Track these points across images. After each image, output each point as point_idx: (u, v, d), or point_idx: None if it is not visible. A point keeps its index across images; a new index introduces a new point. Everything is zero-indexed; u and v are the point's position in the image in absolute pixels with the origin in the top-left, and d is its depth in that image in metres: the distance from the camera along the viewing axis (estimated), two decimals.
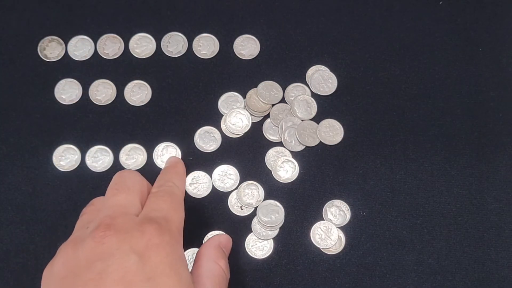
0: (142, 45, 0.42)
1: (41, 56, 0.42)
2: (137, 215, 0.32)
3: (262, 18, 0.43)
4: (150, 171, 0.40)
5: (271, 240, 0.39)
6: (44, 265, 0.38)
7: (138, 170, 0.40)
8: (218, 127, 0.41)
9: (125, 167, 0.40)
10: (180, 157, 0.40)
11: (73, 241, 0.31)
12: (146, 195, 0.34)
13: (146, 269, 0.30)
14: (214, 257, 0.34)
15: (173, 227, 0.32)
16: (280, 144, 0.41)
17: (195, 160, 0.40)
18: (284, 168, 0.40)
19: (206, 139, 0.40)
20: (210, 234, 0.39)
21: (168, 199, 0.34)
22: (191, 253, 0.38)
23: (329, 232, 0.39)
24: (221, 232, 0.38)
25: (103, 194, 0.39)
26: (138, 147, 0.40)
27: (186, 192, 0.39)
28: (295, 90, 0.42)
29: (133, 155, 0.40)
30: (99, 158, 0.40)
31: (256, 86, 0.41)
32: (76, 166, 0.40)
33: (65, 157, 0.40)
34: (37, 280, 0.37)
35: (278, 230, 0.39)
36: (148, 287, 0.29)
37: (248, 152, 0.40)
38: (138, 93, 0.41)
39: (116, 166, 0.40)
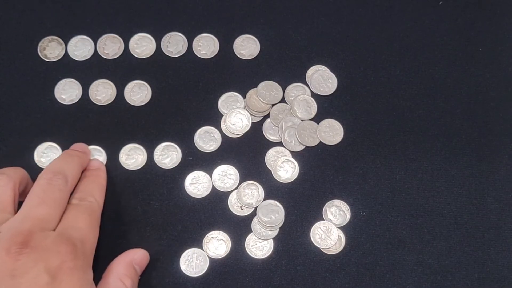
0: (142, 45, 0.42)
1: (41, 56, 0.42)
2: (54, 229, 0.32)
3: (262, 18, 0.43)
4: (150, 172, 0.40)
5: (271, 240, 0.39)
6: None
7: (138, 170, 0.40)
8: (218, 127, 0.41)
9: (125, 167, 0.40)
10: (180, 157, 0.40)
11: None
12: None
13: None
14: (121, 275, 0.34)
15: (87, 250, 0.32)
16: (280, 144, 0.41)
17: (195, 160, 0.40)
18: (284, 168, 0.40)
19: (206, 139, 0.40)
20: (210, 234, 0.39)
21: (87, 218, 0.34)
22: (191, 252, 0.38)
23: (329, 232, 0.39)
24: (138, 249, 0.37)
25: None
26: (138, 147, 0.40)
27: (186, 192, 0.39)
28: (295, 90, 0.42)
29: (133, 155, 0.40)
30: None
31: (256, 86, 0.41)
32: None
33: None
34: None
35: (278, 230, 0.39)
36: None
37: (248, 152, 0.40)
38: (138, 93, 0.41)
39: (117, 166, 0.40)
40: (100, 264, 0.35)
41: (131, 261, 0.36)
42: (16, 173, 0.35)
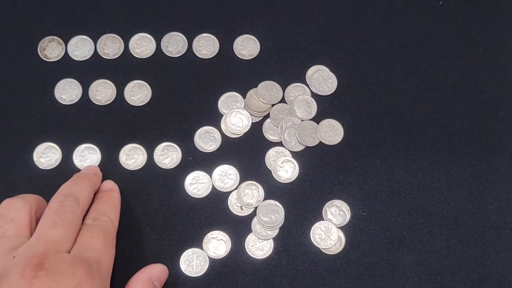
0: (142, 45, 0.42)
1: (41, 56, 0.42)
2: (69, 251, 0.31)
3: (262, 18, 0.43)
4: (150, 172, 0.40)
5: (271, 240, 0.39)
6: None
7: (138, 170, 0.40)
8: (218, 127, 0.41)
9: (125, 167, 0.40)
10: (180, 157, 0.40)
11: None
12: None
13: None
14: None
15: (103, 270, 0.32)
16: (280, 144, 0.41)
17: (195, 160, 0.40)
18: (284, 168, 0.40)
19: (206, 139, 0.40)
20: (210, 234, 0.39)
21: (102, 237, 0.33)
22: (191, 252, 0.38)
23: (329, 232, 0.39)
24: (156, 264, 0.36)
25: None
26: (138, 147, 0.40)
27: (186, 192, 0.39)
28: (295, 90, 0.41)
29: (133, 155, 0.40)
30: (87, 157, 0.40)
31: (256, 86, 0.41)
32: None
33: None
34: None
35: (278, 230, 0.39)
36: None
37: (248, 152, 0.40)
38: (138, 93, 0.41)
39: (117, 166, 0.40)
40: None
41: (150, 277, 0.35)
42: (32, 198, 0.34)
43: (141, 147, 0.40)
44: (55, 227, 0.32)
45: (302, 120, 0.41)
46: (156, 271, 0.35)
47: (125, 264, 0.37)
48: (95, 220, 0.34)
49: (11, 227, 0.33)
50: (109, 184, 0.38)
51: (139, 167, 0.40)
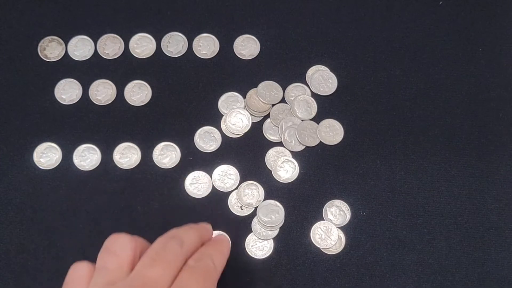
0: (142, 45, 0.42)
1: (41, 56, 0.42)
2: None
3: (262, 18, 0.43)
4: (150, 172, 0.40)
5: (271, 240, 0.39)
6: (44, 265, 0.38)
7: (131, 169, 0.40)
8: (218, 127, 0.41)
9: (119, 166, 0.40)
10: (179, 157, 0.40)
11: None
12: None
13: None
14: None
15: None
16: (280, 144, 0.41)
17: (195, 160, 0.40)
18: (284, 168, 0.40)
19: (206, 139, 0.40)
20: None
21: (201, 280, 0.32)
22: None
23: (329, 232, 0.39)
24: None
25: (103, 194, 0.39)
26: (132, 146, 0.40)
27: (186, 192, 0.39)
28: (295, 90, 0.41)
29: (127, 154, 0.40)
30: (87, 157, 0.40)
31: (256, 86, 0.41)
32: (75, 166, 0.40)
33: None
34: (37, 280, 0.37)
35: (278, 230, 0.39)
36: None
37: (248, 152, 0.40)
38: (138, 93, 0.41)
39: (116, 166, 0.40)
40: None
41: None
42: (140, 238, 0.34)
43: (135, 146, 0.40)
44: (155, 266, 0.31)
45: (302, 120, 0.41)
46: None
47: None
48: (197, 262, 0.33)
49: (112, 260, 0.32)
50: (221, 236, 0.38)
51: (132, 166, 0.40)
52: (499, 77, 0.42)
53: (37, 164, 0.40)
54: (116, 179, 0.39)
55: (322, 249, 0.39)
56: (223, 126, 0.41)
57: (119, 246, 0.32)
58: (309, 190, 0.40)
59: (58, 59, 0.42)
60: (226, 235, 0.39)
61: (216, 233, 0.39)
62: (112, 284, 0.31)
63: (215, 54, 0.42)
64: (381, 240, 0.39)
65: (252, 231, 0.39)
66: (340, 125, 0.41)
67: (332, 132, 0.41)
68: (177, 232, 0.34)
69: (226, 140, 0.41)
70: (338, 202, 0.39)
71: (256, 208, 0.39)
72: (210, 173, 0.40)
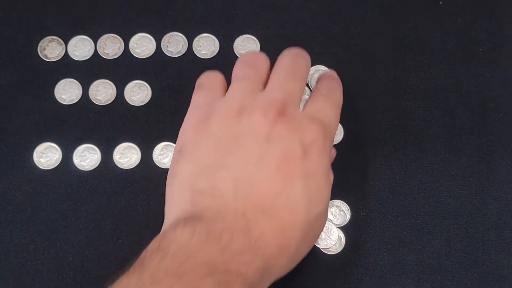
0: (142, 45, 0.42)
1: (41, 56, 0.42)
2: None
3: (262, 18, 0.43)
4: (150, 171, 0.40)
5: None
6: (44, 265, 0.38)
7: (132, 169, 0.40)
8: None
9: (119, 166, 0.40)
10: None
11: (234, 109, 0.31)
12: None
13: (306, 166, 0.30)
14: None
15: (331, 141, 0.32)
16: None
17: None
18: None
19: None
20: None
21: (334, 110, 0.33)
22: None
23: (329, 232, 0.39)
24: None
25: (103, 194, 0.39)
26: (132, 146, 0.40)
27: None
28: None
29: (127, 154, 0.40)
30: (87, 157, 0.40)
31: None
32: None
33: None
34: (37, 280, 0.37)
35: None
36: (304, 183, 0.29)
37: None
38: (138, 93, 0.41)
39: (116, 166, 0.40)
40: (96, 264, 0.35)
41: None
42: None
43: (135, 146, 0.40)
44: (292, 80, 0.32)
45: None
46: None
47: (125, 265, 0.37)
48: (329, 91, 0.34)
49: (252, 71, 0.34)
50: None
51: (132, 166, 0.40)
52: (499, 77, 0.42)
53: (37, 164, 0.40)
54: (116, 179, 0.39)
55: (322, 249, 0.39)
56: None
57: (257, 61, 0.34)
58: None
59: (58, 59, 0.42)
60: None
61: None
62: (254, 92, 0.32)
63: (215, 54, 0.42)
64: (381, 240, 0.39)
65: None
66: (340, 125, 0.41)
67: None
68: (299, 51, 0.35)
69: None
70: (338, 202, 0.39)
71: None
72: None
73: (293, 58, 0.34)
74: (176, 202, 0.32)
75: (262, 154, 0.29)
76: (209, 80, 0.36)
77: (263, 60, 0.35)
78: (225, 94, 0.34)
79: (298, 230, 0.30)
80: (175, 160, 0.33)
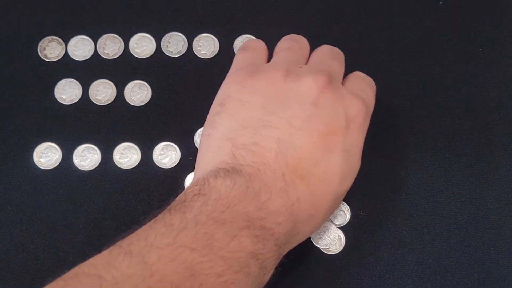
0: (142, 45, 0.42)
1: (41, 56, 0.42)
2: None
3: (262, 18, 0.43)
4: (150, 171, 0.40)
5: None
6: (45, 265, 0.38)
7: (132, 169, 0.40)
8: None
9: (119, 166, 0.40)
10: (179, 157, 0.40)
11: (282, 70, 0.31)
12: None
13: (346, 140, 0.31)
14: None
15: (369, 119, 0.33)
16: None
17: (195, 160, 0.40)
18: None
19: None
20: None
21: (372, 92, 0.35)
22: None
23: (329, 232, 0.39)
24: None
25: (103, 194, 0.39)
26: (132, 146, 0.40)
27: None
28: None
29: (127, 154, 0.40)
30: (86, 157, 0.40)
31: None
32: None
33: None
34: (37, 280, 0.37)
35: None
36: (343, 157, 0.30)
37: None
38: (138, 93, 0.41)
39: (116, 166, 0.40)
40: None
41: None
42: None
43: (135, 146, 0.40)
44: (334, 59, 0.34)
45: None
46: None
47: None
48: (365, 76, 0.36)
49: (297, 45, 0.35)
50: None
51: (133, 166, 0.40)
52: (499, 77, 0.42)
53: (37, 164, 0.40)
54: (116, 179, 0.39)
55: (322, 249, 0.39)
56: None
57: (302, 40, 0.37)
58: None
59: (58, 59, 0.42)
60: None
61: None
62: (299, 62, 0.33)
63: (215, 54, 0.42)
64: (381, 240, 0.39)
65: None
66: None
67: None
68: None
69: None
70: None
71: None
72: None
73: (331, 47, 0.36)
74: (214, 153, 0.32)
75: (307, 119, 0.30)
76: (255, 44, 0.37)
77: (306, 40, 0.37)
78: (268, 61, 0.35)
79: (328, 202, 0.31)
80: (215, 112, 0.33)
